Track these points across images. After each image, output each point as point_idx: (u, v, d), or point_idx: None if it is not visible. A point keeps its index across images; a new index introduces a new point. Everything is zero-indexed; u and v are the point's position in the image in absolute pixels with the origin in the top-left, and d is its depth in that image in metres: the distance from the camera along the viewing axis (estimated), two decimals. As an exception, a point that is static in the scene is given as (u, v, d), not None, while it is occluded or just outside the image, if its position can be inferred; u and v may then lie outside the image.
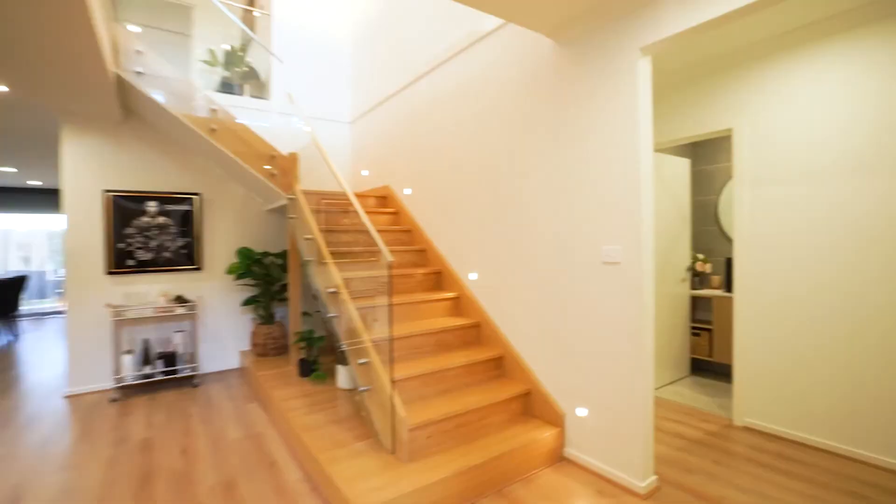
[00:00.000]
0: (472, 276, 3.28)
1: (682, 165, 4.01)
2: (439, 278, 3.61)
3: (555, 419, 2.61)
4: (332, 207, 3.86)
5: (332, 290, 2.91)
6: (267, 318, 4.35)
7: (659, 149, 3.82)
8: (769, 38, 2.81)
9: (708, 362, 4.23)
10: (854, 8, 2.47)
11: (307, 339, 3.62)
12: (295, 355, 3.79)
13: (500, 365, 3.00)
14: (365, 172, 4.98)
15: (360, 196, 4.42)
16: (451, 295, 3.35)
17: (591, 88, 2.38)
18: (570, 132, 2.50)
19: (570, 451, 2.54)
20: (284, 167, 3.84)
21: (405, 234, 4.01)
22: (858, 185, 2.49)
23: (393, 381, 2.37)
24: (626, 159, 2.22)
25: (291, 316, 3.95)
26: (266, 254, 4.44)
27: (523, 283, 2.84)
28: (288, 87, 4.93)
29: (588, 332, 2.44)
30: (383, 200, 4.49)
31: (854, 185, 2.50)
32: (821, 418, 2.65)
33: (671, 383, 3.87)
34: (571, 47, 2.49)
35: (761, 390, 2.90)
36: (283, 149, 4.30)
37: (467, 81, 3.32)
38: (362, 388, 2.52)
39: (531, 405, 2.78)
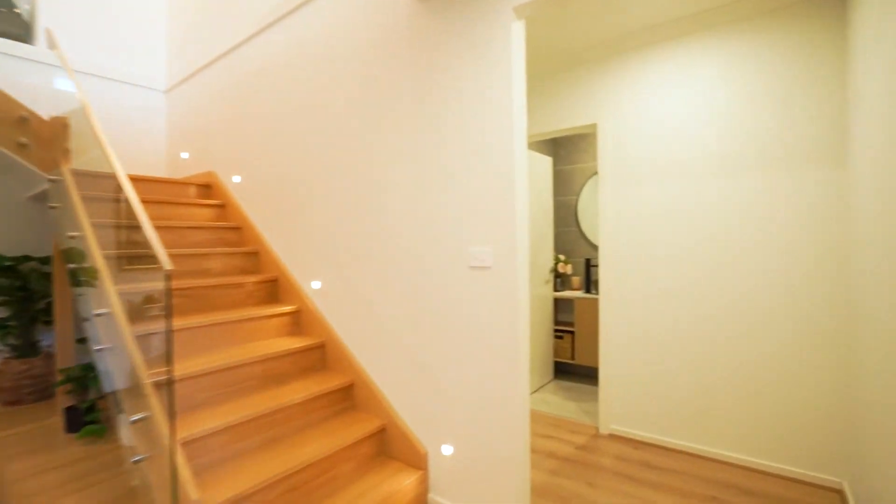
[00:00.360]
0: (316, 285, 2.64)
1: (545, 163, 3.90)
2: (275, 288, 2.88)
3: (416, 460, 2.13)
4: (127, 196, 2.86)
5: (101, 311, 2.02)
6: (24, 350, 3.10)
7: (524, 144, 3.63)
8: (637, 31, 2.71)
9: (570, 365, 4.22)
10: (724, 5, 2.46)
11: (77, 377, 2.57)
12: (62, 402, 2.70)
13: (350, 395, 2.42)
14: (185, 155, 3.94)
15: (178, 184, 3.44)
16: (288, 309, 2.66)
17: (458, 57, 1.95)
18: (433, 111, 2.04)
19: (436, 499, 2.08)
20: (45, 136, 2.72)
21: (233, 232, 3.18)
22: (724, 184, 2.49)
23: (174, 442, 1.63)
24: (499, 143, 1.83)
25: (59, 345, 2.82)
26: (26, 258, 3.18)
27: (377, 294, 2.31)
28: (75, 36, 3.66)
29: (454, 351, 2.00)
30: (206, 190, 3.56)
31: (719, 184, 2.51)
32: (679, 420, 2.63)
33: (537, 390, 3.71)
34: (434, 3, 2.03)
35: (625, 396, 2.82)
36: (52, 112, 3.11)
37: (308, 45, 2.66)
38: (136, 458, 1.72)
39: (388, 444, 2.25)
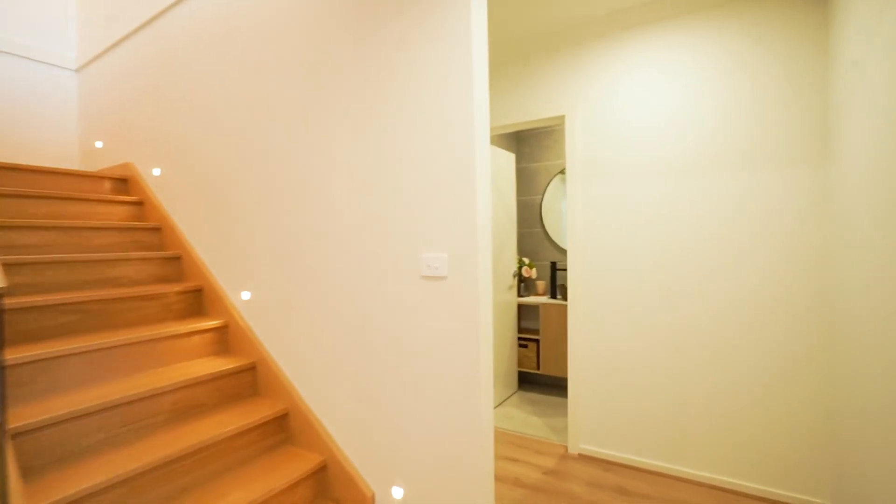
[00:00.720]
0: (245, 296, 2.25)
1: (508, 160, 3.65)
2: (199, 299, 2.47)
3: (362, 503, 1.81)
4: (17, 190, 2.38)
5: (-51, 336, 1.57)
6: None
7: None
8: (609, 14, 2.48)
9: (535, 375, 3.99)
10: (682, -9, 2.28)
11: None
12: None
13: (285, 426, 2.06)
14: (99, 144, 3.43)
15: (88, 178, 2.95)
16: (213, 324, 2.26)
17: (411, 27, 1.64)
18: (382, 91, 1.72)
19: (383, 550, 1.77)
20: None
21: (151, 233, 2.73)
22: (703, 185, 2.30)
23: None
24: (458, 130, 1.54)
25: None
26: None
27: (315, 307, 1.96)
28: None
29: (404, 376, 1.69)
30: (123, 185, 3.08)
31: (698, 184, 2.31)
32: (654, 439, 2.43)
33: (500, 404, 3.45)
34: (379, -36, 1.72)
35: (596, 413, 2.60)
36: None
37: (241, 15, 2.28)
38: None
39: (329, 485, 1.91)
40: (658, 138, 2.39)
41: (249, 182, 2.22)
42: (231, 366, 2.09)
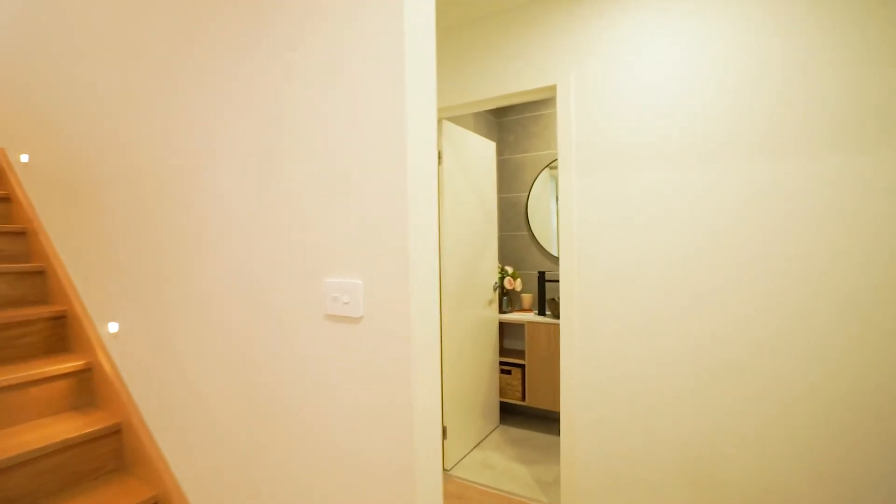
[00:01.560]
0: (113, 328, 1.62)
1: (488, 149, 3.05)
2: (62, 329, 1.82)
3: None
4: None
5: None
6: None
7: (447, 116, 2.76)
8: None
9: (520, 406, 3.38)
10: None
11: None
12: None
13: (153, 523, 1.43)
14: (-23, 126, 2.75)
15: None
16: (69, 367, 1.61)
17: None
18: (272, 48, 1.10)
19: None
20: None
21: (13, 239, 2.07)
22: (737, 172, 1.70)
23: None
24: (378, 98, 0.92)
25: None
26: None
27: (191, 353, 1.34)
28: None
29: (307, 462, 1.08)
30: (-7, 176, 2.41)
31: (731, 173, 1.71)
32: (674, 502, 1.84)
33: (478, 445, 2.84)
34: None
35: (597, 465, 2.00)
36: None
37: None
38: None
39: None
40: (675, 111, 1.80)
41: (122, 170, 1.59)
42: (82, 432, 1.45)
